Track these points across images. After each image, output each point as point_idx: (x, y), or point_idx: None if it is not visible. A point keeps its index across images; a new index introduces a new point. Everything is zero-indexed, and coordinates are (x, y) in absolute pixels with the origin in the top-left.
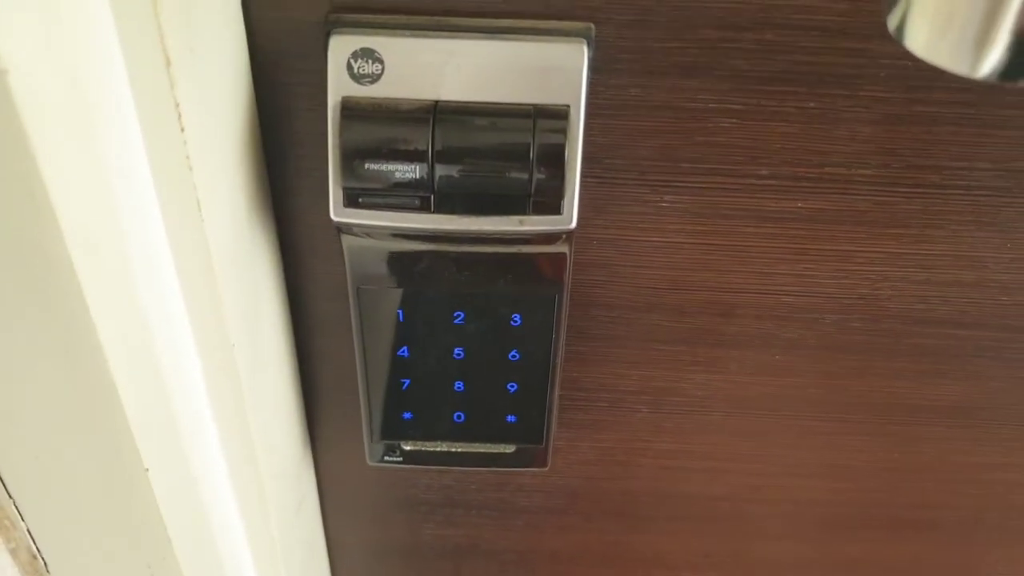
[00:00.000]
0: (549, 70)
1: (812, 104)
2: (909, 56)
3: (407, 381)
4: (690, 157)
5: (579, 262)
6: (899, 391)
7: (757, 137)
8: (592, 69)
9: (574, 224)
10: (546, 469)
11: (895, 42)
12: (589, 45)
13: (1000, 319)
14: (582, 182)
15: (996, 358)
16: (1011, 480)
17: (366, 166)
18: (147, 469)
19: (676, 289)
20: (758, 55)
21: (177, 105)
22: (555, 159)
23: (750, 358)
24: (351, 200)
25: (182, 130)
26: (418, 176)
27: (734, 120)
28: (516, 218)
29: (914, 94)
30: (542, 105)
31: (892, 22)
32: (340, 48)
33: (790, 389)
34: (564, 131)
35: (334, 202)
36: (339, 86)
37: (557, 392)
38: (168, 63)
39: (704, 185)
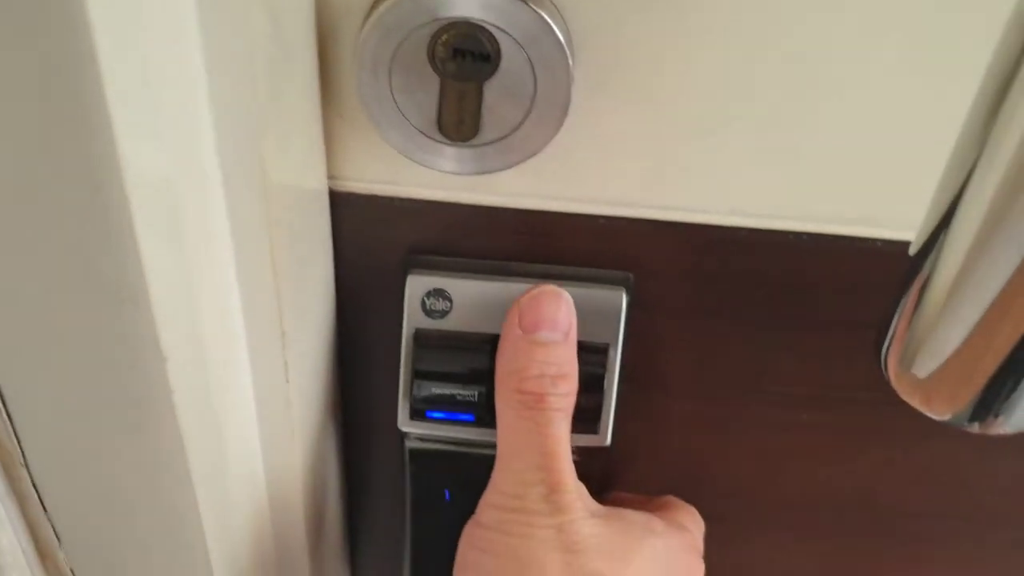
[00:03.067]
0: (593, 312)
1: (821, 341)
2: None
3: (450, 550)
4: (708, 376)
5: (606, 458)
6: (885, 569)
7: (770, 364)
8: (629, 308)
9: (608, 442)
10: None
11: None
12: (628, 291)
13: (980, 513)
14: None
15: (974, 544)
16: None
17: (432, 388)
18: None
19: (691, 478)
20: (774, 304)
21: (285, 363)
22: (595, 388)
23: (754, 536)
24: (416, 414)
25: (287, 381)
26: (476, 397)
27: (751, 351)
28: None
29: None
30: (585, 341)
31: (883, 355)
32: (416, 287)
33: (788, 563)
34: (604, 365)
35: (401, 414)
36: (413, 319)
37: None
38: (283, 335)
39: (720, 396)
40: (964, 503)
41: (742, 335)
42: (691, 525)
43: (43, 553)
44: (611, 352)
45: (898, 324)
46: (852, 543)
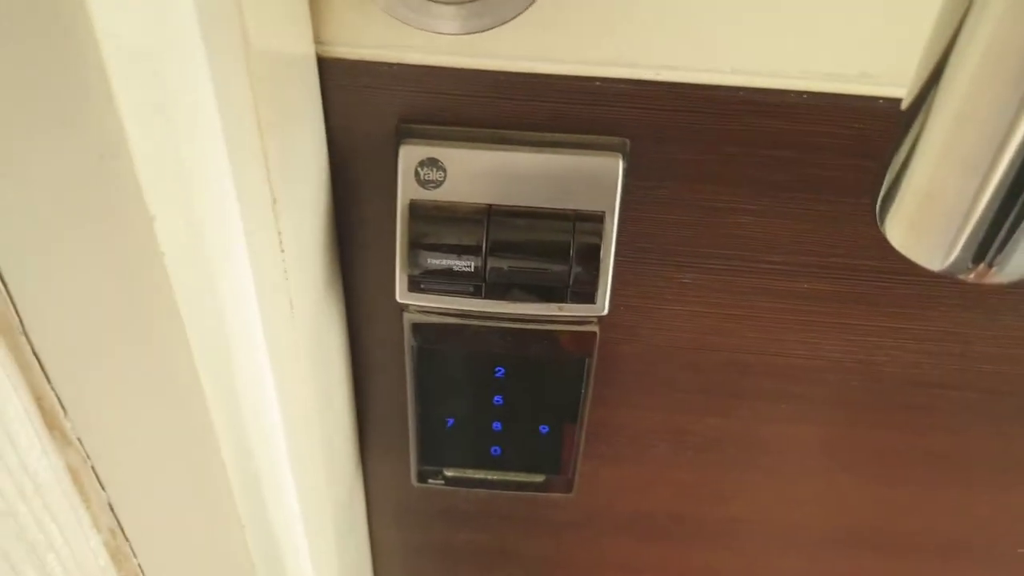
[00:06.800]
0: (588, 180)
1: (821, 207)
2: None
3: (452, 420)
4: (710, 244)
5: (609, 323)
6: (890, 439)
7: (770, 231)
8: (626, 175)
9: (606, 311)
10: (571, 495)
11: None
12: (624, 158)
13: (981, 383)
14: (614, 259)
15: (977, 414)
16: (985, 515)
17: (428, 259)
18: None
19: (694, 349)
20: (773, 167)
21: (279, 232)
22: (591, 257)
23: (760, 407)
24: (414, 285)
25: (282, 251)
26: (472, 268)
27: (750, 217)
28: (555, 305)
29: None
30: (581, 210)
31: (878, 209)
32: (409, 157)
33: (794, 434)
34: (600, 233)
35: (399, 287)
36: (407, 190)
37: (583, 433)
38: (274, 202)
39: (722, 267)
40: (965, 373)
41: (742, 200)
42: None
43: (50, 424)
44: (607, 220)
45: (892, 177)
46: (855, 414)
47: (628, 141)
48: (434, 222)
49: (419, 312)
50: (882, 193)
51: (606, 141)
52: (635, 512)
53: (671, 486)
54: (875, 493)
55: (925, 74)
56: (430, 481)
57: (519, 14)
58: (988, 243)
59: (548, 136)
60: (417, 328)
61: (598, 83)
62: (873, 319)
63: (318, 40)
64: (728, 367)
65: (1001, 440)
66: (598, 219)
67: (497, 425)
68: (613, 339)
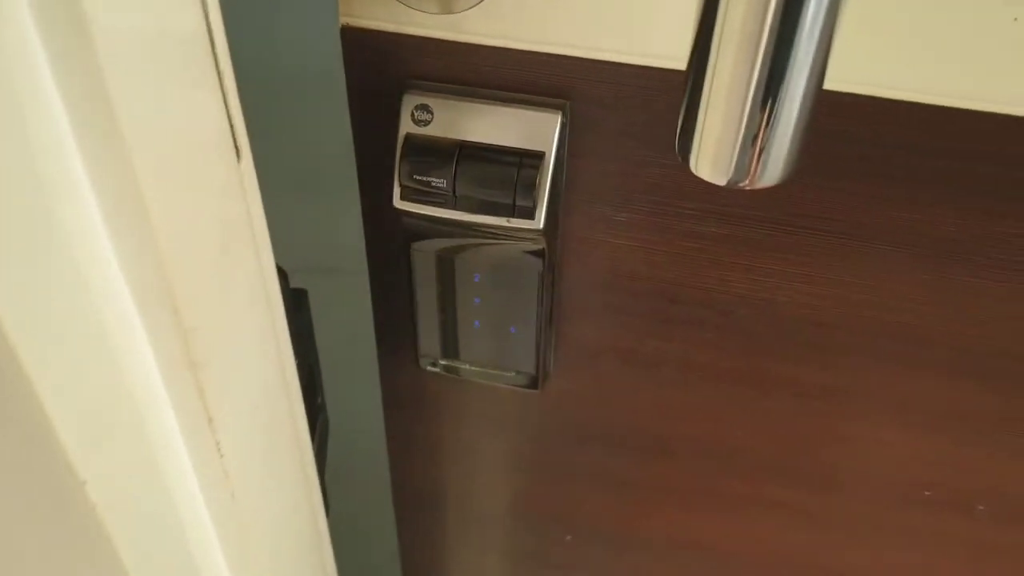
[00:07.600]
0: (534, 128)
1: None
2: None
3: (443, 317)
4: (635, 190)
5: (565, 251)
6: (791, 372)
7: (683, 182)
8: (569, 128)
9: (542, 226)
10: (538, 392)
11: None
12: (564, 115)
13: (862, 326)
14: (563, 200)
15: (863, 355)
16: (878, 452)
17: (415, 177)
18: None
19: (631, 278)
20: None
21: (217, 444)
22: (530, 184)
23: (688, 333)
24: (406, 195)
25: (221, 456)
26: (445, 185)
27: (667, 170)
28: (504, 218)
29: None
30: (527, 149)
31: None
32: (408, 103)
33: (715, 357)
34: (538, 167)
35: (395, 195)
36: (405, 126)
37: (544, 337)
38: (210, 421)
39: (646, 210)
40: (846, 317)
41: (657, 156)
42: None
43: None
44: (546, 158)
45: (681, 119)
46: (759, 336)
47: (568, 103)
48: (421, 151)
49: (411, 218)
50: (677, 131)
51: (551, 101)
52: (595, 419)
53: (622, 397)
54: (783, 420)
55: (692, 40)
56: (429, 368)
57: (479, 2)
58: (750, 160)
59: (509, 95)
60: (409, 229)
61: (545, 57)
62: (767, 260)
63: (348, 14)
64: (659, 295)
65: (887, 379)
66: (538, 156)
67: (476, 323)
68: (570, 267)
